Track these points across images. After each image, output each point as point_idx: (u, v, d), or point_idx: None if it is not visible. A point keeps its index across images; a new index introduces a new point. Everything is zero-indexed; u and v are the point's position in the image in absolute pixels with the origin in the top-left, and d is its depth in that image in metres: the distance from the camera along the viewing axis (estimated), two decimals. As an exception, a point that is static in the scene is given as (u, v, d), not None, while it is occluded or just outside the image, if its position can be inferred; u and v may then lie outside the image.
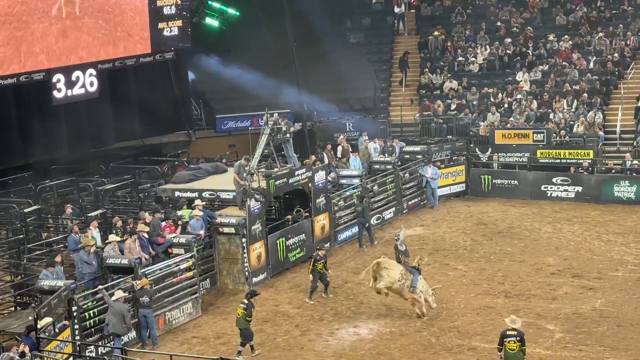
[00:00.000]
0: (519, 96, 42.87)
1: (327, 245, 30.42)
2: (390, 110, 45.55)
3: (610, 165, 37.62)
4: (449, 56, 47.21)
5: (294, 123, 40.58)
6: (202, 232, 27.65)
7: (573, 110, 41.26)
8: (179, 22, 38.14)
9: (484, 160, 39.39)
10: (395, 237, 26.22)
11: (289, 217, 30.73)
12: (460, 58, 46.80)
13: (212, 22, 45.47)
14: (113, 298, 22.90)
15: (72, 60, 33.65)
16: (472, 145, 40.03)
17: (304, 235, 30.50)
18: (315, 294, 26.70)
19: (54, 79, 33.21)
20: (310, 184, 30.77)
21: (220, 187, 30.73)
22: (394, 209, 35.14)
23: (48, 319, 21.11)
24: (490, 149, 39.52)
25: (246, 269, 27.84)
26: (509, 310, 24.66)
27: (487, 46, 46.95)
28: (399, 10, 50.57)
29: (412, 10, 51.06)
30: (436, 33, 47.75)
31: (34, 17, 32.16)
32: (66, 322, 22.11)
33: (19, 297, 26.28)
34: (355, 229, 32.91)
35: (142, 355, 21.97)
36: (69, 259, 26.19)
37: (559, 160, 38.04)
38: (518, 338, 19.95)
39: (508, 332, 20.10)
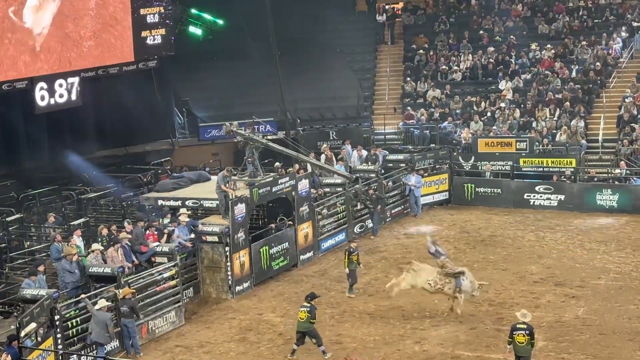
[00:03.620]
0: (502, 105, 43.03)
1: (358, 237, 31.44)
2: (373, 119, 45.66)
3: (593, 174, 37.76)
4: (432, 65, 47.35)
5: (277, 131, 40.73)
6: (192, 235, 27.69)
7: (556, 118, 41.44)
8: (162, 31, 38.11)
9: (467, 169, 39.46)
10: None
11: (273, 225, 30.74)
12: (444, 67, 46.95)
13: (195, 30, 45.48)
14: (96, 307, 22.83)
15: (55, 69, 33.56)
16: (455, 153, 40.13)
17: (287, 243, 30.49)
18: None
19: (37, 87, 33.09)
20: (293, 193, 30.79)
21: (204, 196, 30.73)
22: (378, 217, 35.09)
23: (33, 325, 21.06)
24: (473, 157, 39.60)
25: (229, 277, 27.80)
26: (492, 319, 24.75)
27: (470, 55, 47.11)
28: (381, 19, 50.66)
29: (398, 19, 51.13)
30: (421, 51, 47.82)
31: (15, 25, 32.07)
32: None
33: (0, 306, 26.13)
34: (338, 237, 33.06)
35: (125, 364, 21.97)
36: (52, 268, 26.14)
37: (541, 169, 38.13)
38: (527, 331, 20.48)
39: (518, 326, 20.64)
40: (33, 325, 21.07)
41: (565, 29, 46.76)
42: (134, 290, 24.32)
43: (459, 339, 23.77)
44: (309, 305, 23.10)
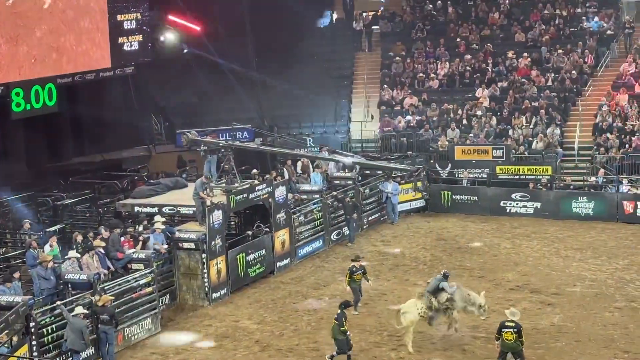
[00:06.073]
0: (478, 112, 43.15)
1: (363, 256, 30.22)
2: (351, 126, 45.68)
3: (569, 182, 37.94)
4: (410, 72, 47.45)
5: (254, 138, 40.72)
6: (165, 246, 27.57)
7: (532, 126, 41.59)
8: (139, 37, 38.03)
9: (444, 176, 39.58)
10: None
11: (249, 232, 30.69)
12: (421, 74, 47.04)
13: (172, 36, 45.38)
14: (72, 314, 22.71)
15: (31, 75, 33.41)
16: (432, 161, 40.23)
17: (264, 250, 30.46)
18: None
19: (13, 94, 32.92)
20: (270, 200, 30.76)
21: (180, 202, 30.65)
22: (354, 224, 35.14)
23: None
24: (450, 164, 39.71)
25: (206, 284, 27.74)
26: (468, 326, 24.76)
27: (447, 62, 47.23)
28: (358, 27, 50.76)
29: (375, 27, 51.19)
30: (398, 59, 47.88)
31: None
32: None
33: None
34: (315, 244, 33.11)
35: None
36: (28, 275, 26.01)
37: (518, 177, 38.30)
38: (515, 330, 20.89)
39: (506, 323, 21.02)
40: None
41: (541, 37, 46.93)
42: (113, 297, 24.23)
43: (435, 346, 23.78)
44: (339, 312, 22.70)
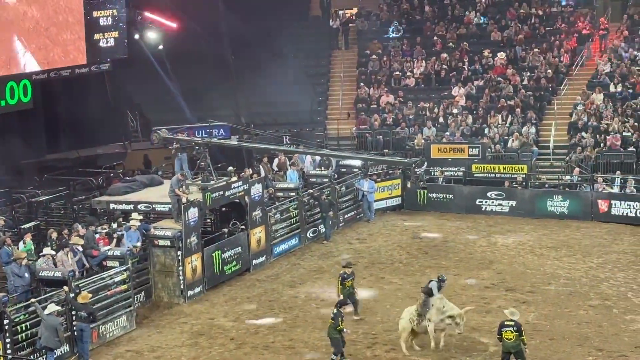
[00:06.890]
0: (454, 111, 43.25)
1: (351, 260, 29.02)
2: (327, 124, 45.70)
3: (544, 180, 38.08)
4: (386, 70, 47.51)
5: (230, 135, 40.62)
6: (138, 243, 27.46)
7: (507, 125, 41.73)
8: (116, 34, 37.87)
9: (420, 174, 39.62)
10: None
11: (225, 229, 30.64)
12: (397, 72, 47.09)
13: (149, 33, 45.18)
14: (46, 311, 22.60)
15: (6, 71, 33.23)
16: (408, 159, 40.24)
17: (240, 248, 30.41)
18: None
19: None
20: (246, 197, 30.72)
21: (156, 200, 30.55)
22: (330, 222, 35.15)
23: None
24: (426, 163, 39.75)
25: (181, 282, 27.68)
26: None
27: (424, 61, 47.30)
28: (335, 25, 50.76)
29: (352, 25, 51.21)
30: (374, 57, 47.93)
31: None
32: None
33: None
34: (291, 242, 33.08)
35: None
36: (1, 272, 25.88)
37: (493, 175, 38.41)
38: (515, 328, 20.97)
39: (506, 323, 21.11)
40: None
41: (517, 36, 47.07)
42: (91, 295, 24.14)
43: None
44: (335, 311, 22.54)
